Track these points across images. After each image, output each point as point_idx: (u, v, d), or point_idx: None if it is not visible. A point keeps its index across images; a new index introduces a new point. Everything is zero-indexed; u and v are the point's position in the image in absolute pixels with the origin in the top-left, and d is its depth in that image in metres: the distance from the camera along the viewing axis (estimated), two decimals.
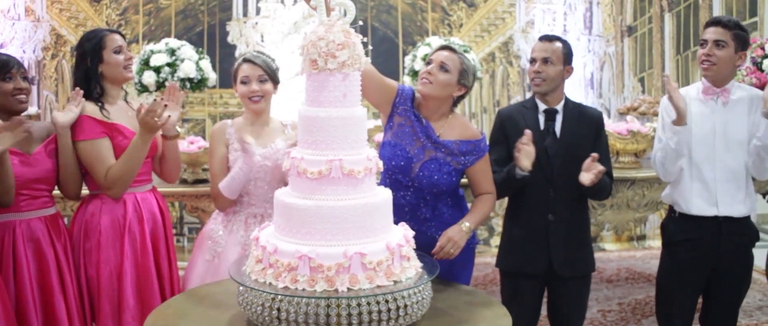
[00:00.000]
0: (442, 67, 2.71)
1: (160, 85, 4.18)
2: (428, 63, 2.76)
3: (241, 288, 2.19)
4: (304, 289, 2.05)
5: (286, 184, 2.35)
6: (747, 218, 3.06)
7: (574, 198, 2.93)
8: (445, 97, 2.75)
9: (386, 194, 2.27)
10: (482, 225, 5.95)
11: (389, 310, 2.07)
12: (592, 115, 3.03)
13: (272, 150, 2.90)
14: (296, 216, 2.14)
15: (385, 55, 6.13)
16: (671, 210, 3.15)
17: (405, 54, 5.69)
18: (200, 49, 4.41)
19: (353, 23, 2.29)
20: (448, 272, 2.65)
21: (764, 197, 4.52)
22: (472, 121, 6.37)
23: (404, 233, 2.26)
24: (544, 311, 3.11)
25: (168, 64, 4.18)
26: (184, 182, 4.03)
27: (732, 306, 3.12)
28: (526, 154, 2.75)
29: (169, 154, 3.01)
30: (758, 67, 4.33)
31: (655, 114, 4.44)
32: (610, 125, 4.32)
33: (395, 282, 2.12)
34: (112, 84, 2.88)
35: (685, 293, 3.08)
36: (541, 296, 3.06)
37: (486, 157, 2.79)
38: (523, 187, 2.86)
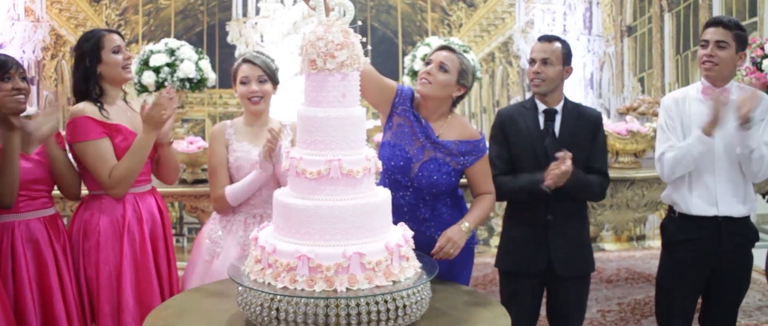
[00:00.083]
0: (442, 67, 2.71)
1: (159, 86, 4.18)
2: (427, 63, 2.76)
3: (240, 288, 2.19)
4: (303, 289, 2.05)
5: (285, 184, 2.35)
6: (746, 218, 3.05)
7: (573, 199, 2.93)
8: (444, 97, 2.75)
9: (385, 194, 2.27)
10: (482, 226, 5.95)
11: (388, 310, 2.07)
12: (591, 115, 3.03)
13: (280, 154, 2.90)
14: (295, 217, 2.14)
15: (385, 55, 6.13)
16: (671, 210, 3.15)
17: (404, 54, 5.69)
18: (200, 50, 4.41)
19: (352, 23, 2.29)
20: (448, 272, 2.65)
21: (764, 197, 4.52)
22: (471, 121, 6.37)
23: (403, 233, 2.26)
24: (543, 311, 3.11)
25: (167, 64, 4.18)
26: (183, 182, 4.03)
27: (731, 307, 3.12)
28: (559, 175, 2.73)
29: (166, 160, 3.01)
30: (758, 67, 4.33)
31: (655, 114, 4.44)
32: (610, 125, 4.32)
33: (394, 282, 2.12)
34: (111, 84, 2.87)
35: (685, 293, 3.08)
36: (540, 296, 3.06)
37: (485, 157, 2.79)
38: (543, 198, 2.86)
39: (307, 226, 2.12)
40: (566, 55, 2.96)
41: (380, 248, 2.12)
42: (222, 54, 5.91)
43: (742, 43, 2.97)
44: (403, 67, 5.19)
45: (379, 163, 2.31)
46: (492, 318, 2.30)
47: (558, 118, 2.96)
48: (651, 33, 6.47)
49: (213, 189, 2.97)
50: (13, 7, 5.72)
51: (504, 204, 3.13)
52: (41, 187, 2.75)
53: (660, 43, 6.46)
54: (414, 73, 4.76)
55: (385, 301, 2.07)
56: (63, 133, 2.87)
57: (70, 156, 2.87)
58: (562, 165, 2.73)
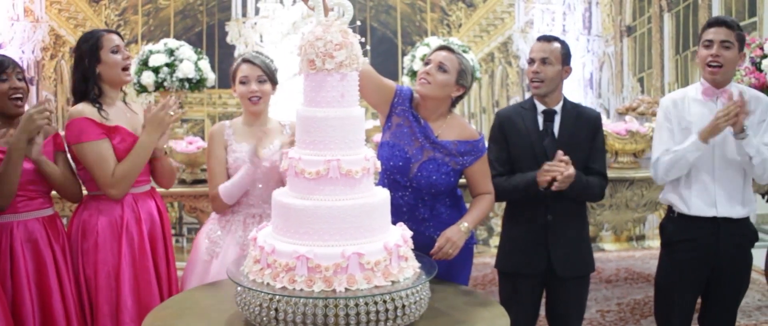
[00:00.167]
0: (441, 68, 2.71)
1: (158, 86, 4.18)
2: (426, 63, 2.76)
3: (239, 288, 2.19)
4: (301, 289, 2.05)
5: (284, 185, 2.35)
6: (746, 219, 3.05)
7: (572, 199, 2.93)
8: (443, 98, 2.75)
9: (384, 194, 2.27)
10: (481, 226, 5.95)
11: (387, 310, 2.07)
12: (590, 115, 3.02)
13: (270, 150, 2.91)
14: (294, 217, 2.14)
15: (384, 56, 6.13)
16: (670, 210, 3.15)
17: (404, 54, 5.69)
18: (199, 50, 4.41)
19: (352, 23, 2.29)
20: (447, 272, 2.65)
21: (763, 197, 4.52)
22: (471, 121, 6.37)
23: (402, 233, 2.26)
24: (542, 311, 3.11)
25: (167, 65, 4.18)
26: (182, 183, 4.03)
27: (731, 307, 3.12)
28: (563, 179, 2.74)
29: (161, 170, 3.01)
30: (757, 67, 4.33)
31: (654, 114, 4.43)
32: (609, 125, 4.32)
33: (393, 282, 2.12)
34: (110, 86, 2.86)
35: (684, 293, 3.08)
36: (539, 296, 3.06)
37: (484, 157, 2.79)
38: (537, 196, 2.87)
39: (306, 226, 2.12)
40: (565, 55, 2.96)
41: (379, 248, 2.12)
42: (221, 54, 5.90)
43: (742, 43, 2.97)
44: (403, 67, 5.19)
45: (378, 163, 2.31)
46: (491, 319, 2.30)
47: (557, 119, 2.96)
48: (650, 33, 6.46)
49: (211, 189, 2.97)
50: (13, 8, 5.72)
51: (503, 204, 3.13)
52: (40, 188, 2.75)
53: (659, 43, 6.46)
54: (413, 73, 4.76)
55: (384, 301, 2.07)
56: (62, 134, 2.87)
57: (69, 157, 2.87)
58: (562, 167, 2.73)
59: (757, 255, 3.36)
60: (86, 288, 2.80)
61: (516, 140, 2.94)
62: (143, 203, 2.89)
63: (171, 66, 4.18)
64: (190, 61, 4.20)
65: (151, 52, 4.24)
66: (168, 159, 3.07)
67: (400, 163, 2.71)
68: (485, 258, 5.46)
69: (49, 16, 5.84)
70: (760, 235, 3.47)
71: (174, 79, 4.15)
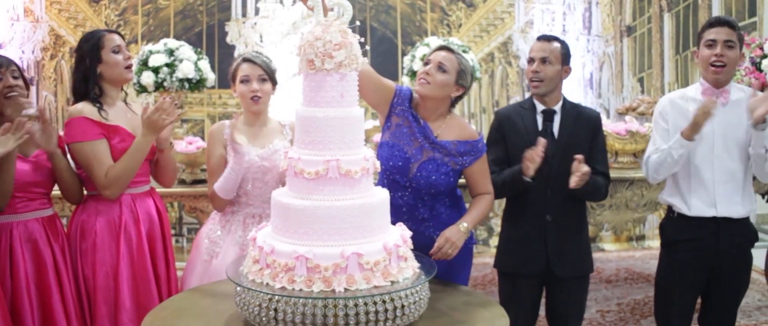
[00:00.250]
0: (440, 68, 2.71)
1: (158, 86, 4.18)
2: (426, 63, 2.76)
3: (238, 288, 2.19)
4: (301, 290, 2.05)
5: (284, 185, 2.35)
6: (746, 219, 3.05)
7: (571, 199, 2.93)
8: (443, 98, 2.74)
9: (383, 194, 2.27)
10: (481, 226, 5.95)
11: (386, 311, 2.07)
12: (589, 115, 3.03)
13: (270, 150, 2.90)
14: (293, 217, 2.14)
15: (384, 56, 6.13)
16: (670, 210, 3.15)
17: (404, 54, 5.69)
18: (199, 50, 4.41)
19: (351, 23, 2.29)
20: (446, 272, 2.65)
21: (763, 197, 4.52)
22: (471, 121, 6.36)
23: (401, 233, 2.26)
24: (542, 311, 3.11)
25: (166, 65, 4.18)
26: (182, 183, 4.03)
27: (731, 307, 3.11)
28: (534, 163, 2.74)
29: (164, 165, 3.01)
30: (757, 67, 4.33)
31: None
32: (609, 125, 4.32)
33: (392, 282, 2.12)
34: (111, 84, 2.86)
35: (684, 293, 3.08)
36: (539, 296, 3.06)
37: (484, 157, 2.79)
38: (525, 191, 2.86)
39: (306, 226, 2.12)
40: (565, 55, 2.96)
41: (378, 248, 2.12)
42: (221, 54, 5.90)
43: (742, 43, 2.99)
44: (403, 68, 5.19)
45: (378, 163, 2.31)
46: (491, 319, 2.30)
47: (557, 119, 2.96)
48: (650, 33, 6.46)
49: (209, 188, 2.97)
50: (13, 8, 5.72)
51: (503, 204, 3.13)
52: (40, 189, 2.75)
53: (659, 43, 6.45)
54: (413, 74, 4.75)
55: (384, 301, 2.07)
56: (61, 133, 2.87)
57: (69, 157, 2.87)
58: (582, 167, 2.74)
59: (757, 255, 3.35)
60: (85, 289, 2.80)
61: (515, 140, 2.94)
62: (142, 203, 2.89)
63: (171, 66, 4.18)
64: (190, 61, 4.20)
65: (150, 52, 4.23)
66: (172, 153, 3.06)
67: (400, 163, 2.70)
68: (485, 258, 5.46)
69: (49, 16, 5.84)
70: (760, 235, 3.46)
71: (174, 79, 4.15)
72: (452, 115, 2.81)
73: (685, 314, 3.11)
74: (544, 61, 2.92)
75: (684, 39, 6.34)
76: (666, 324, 3.15)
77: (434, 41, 4.84)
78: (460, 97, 2.81)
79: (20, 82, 2.71)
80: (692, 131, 2.85)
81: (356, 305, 2.04)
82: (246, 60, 2.96)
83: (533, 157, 2.75)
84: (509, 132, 2.96)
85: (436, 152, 2.72)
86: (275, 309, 2.06)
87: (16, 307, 2.65)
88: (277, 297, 2.06)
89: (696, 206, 2.99)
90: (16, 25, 5.72)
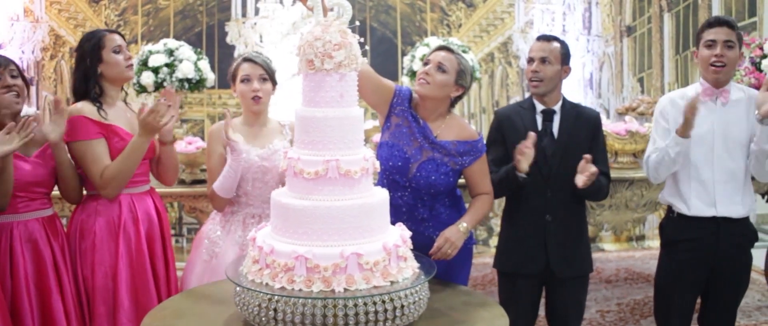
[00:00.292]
0: (440, 68, 2.71)
1: (158, 86, 4.18)
2: (425, 63, 2.76)
3: (237, 288, 2.19)
4: (300, 290, 2.05)
5: (283, 185, 2.35)
6: (746, 218, 3.05)
7: (571, 199, 2.93)
8: (442, 98, 2.74)
9: (383, 194, 2.27)
10: (481, 226, 5.95)
11: (386, 311, 2.07)
12: (589, 115, 3.03)
13: (270, 150, 2.90)
14: (293, 217, 2.14)
15: (384, 56, 6.13)
16: (670, 210, 3.15)
17: (404, 54, 5.69)
18: (199, 50, 4.41)
19: (351, 23, 2.29)
20: (446, 273, 2.65)
21: (763, 197, 4.52)
22: (470, 121, 6.36)
23: (401, 233, 2.26)
24: (541, 311, 3.11)
25: (166, 65, 4.18)
26: (182, 183, 4.03)
27: (730, 307, 3.11)
28: (526, 157, 2.75)
29: (166, 159, 3.00)
30: (757, 67, 4.33)
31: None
32: (609, 125, 4.32)
33: (392, 282, 2.12)
34: (111, 84, 2.87)
35: (684, 293, 3.08)
36: (538, 296, 3.06)
37: (483, 157, 2.79)
38: (520, 188, 2.86)
39: (305, 226, 2.12)
40: (565, 55, 2.96)
41: (378, 248, 2.12)
42: (221, 54, 5.90)
43: (741, 43, 2.99)
44: (402, 68, 5.19)
45: (377, 163, 2.31)
46: (490, 319, 2.30)
47: (556, 119, 2.96)
48: (650, 33, 6.46)
49: (209, 187, 2.97)
50: (12, 8, 5.72)
51: (503, 204, 3.13)
52: (40, 189, 2.75)
53: (659, 43, 6.45)
54: (413, 74, 4.76)
55: (383, 302, 2.07)
56: None
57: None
58: (590, 168, 2.75)
59: (757, 255, 3.35)
60: (84, 289, 2.80)
61: (514, 140, 2.93)
62: (141, 203, 2.89)
63: (170, 66, 4.18)
64: (190, 62, 4.20)
65: (150, 53, 4.23)
66: (174, 148, 3.05)
67: (399, 163, 2.70)
68: (485, 259, 5.46)
69: (48, 16, 5.84)
70: (760, 235, 3.46)
71: (173, 79, 4.15)
72: (452, 115, 2.81)
73: (685, 314, 3.11)
74: (543, 60, 2.92)
75: (684, 39, 6.34)
76: (666, 324, 3.15)
77: (434, 41, 4.84)
78: (459, 97, 2.81)
79: (19, 82, 2.70)
80: (684, 128, 2.85)
81: (356, 305, 2.04)
82: (247, 59, 2.96)
83: (522, 150, 2.75)
84: (509, 132, 2.96)
85: (435, 152, 2.72)
86: (275, 309, 2.06)
87: (15, 307, 2.65)
88: (276, 297, 2.06)
89: (696, 206, 2.99)
90: (16, 25, 5.72)
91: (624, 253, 6.16)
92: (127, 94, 3.05)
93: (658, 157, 2.96)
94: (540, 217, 2.93)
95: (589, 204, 3.95)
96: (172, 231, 5.60)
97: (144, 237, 2.85)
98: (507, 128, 2.98)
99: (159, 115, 2.69)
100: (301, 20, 5.16)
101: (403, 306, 2.10)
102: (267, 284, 2.10)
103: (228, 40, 5.72)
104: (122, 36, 2.93)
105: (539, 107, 2.97)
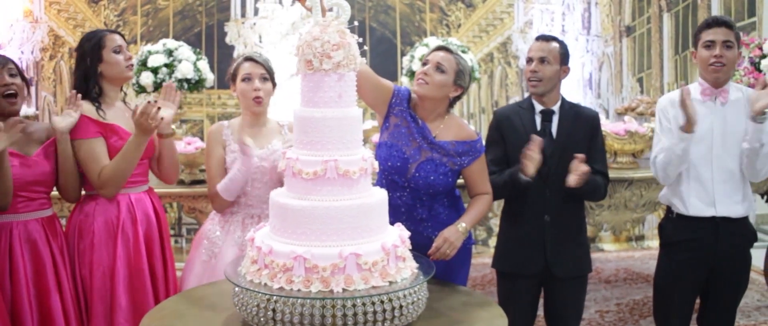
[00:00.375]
0: (438, 68, 2.71)
1: (157, 86, 4.18)
2: (424, 64, 2.76)
3: (236, 288, 2.19)
4: (299, 290, 2.05)
5: (283, 185, 2.35)
6: (745, 218, 3.05)
7: (570, 199, 2.93)
8: (441, 98, 2.74)
9: (382, 194, 2.27)
10: (480, 226, 5.95)
11: (384, 311, 2.07)
12: (588, 115, 3.03)
13: (269, 151, 2.90)
14: (291, 217, 2.14)
15: (383, 56, 6.13)
16: (669, 210, 3.15)
17: (403, 54, 5.69)
18: (198, 50, 4.41)
19: (350, 23, 2.29)
20: (445, 273, 2.65)
21: (762, 197, 4.52)
22: (470, 121, 6.36)
23: (400, 233, 2.26)
24: (540, 311, 3.11)
25: (165, 65, 4.18)
26: (181, 183, 4.02)
27: (730, 307, 3.11)
28: (532, 161, 2.75)
29: (166, 154, 2.99)
30: (756, 67, 4.33)
31: (653, 114, 4.43)
32: (608, 125, 4.32)
33: (391, 282, 2.12)
34: (111, 84, 2.87)
35: (683, 294, 3.08)
36: (537, 296, 3.06)
37: (482, 157, 2.79)
38: (524, 190, 2.86)
39: (304, 227, 2.12)
40: (564, 55, 2.96)
41: (377, 248, 2.12)
42: (220, 54, 5.90)
43: (739, 42, 2.99)
44: (402, 68, 5.19)
45: (376, 164, 2.31)
46: (489, 319, 2.30)
47: (555, 119, 2.96)
48: (650, 33, 6.46)
49: (210, 189, 2.96)
50: (12, 9, 5.71)
51: (502, 204, 3.13)
52: (40, 189, 2.75)
53: (659, 43, 6.45)
54: (412, 74, 4.75)
55: (382, 302, 2.07)
56: None
57: None
58: (581, 166, 2.74)
59: (756, 255, 3.35)
60: (83, 289, 2.80)
61: (513, 140, 2.94)
62: (140, 203, 2.89)
63: (170, 66, 4.18)
64: (189, 62, 4.20)
65: (149, 53, 4.23)
66: (173, 142, 3.04)
67: (398, 164, 2.70)
68: (484, 259, 5.45)
69: (48, 16, 5.84)
70: (759, 235, 3.46)
71: (173, 79, 4.15)
72: (451, 116, 2.81)
73: (684, 314, 3.11)
74: (542, 60, 2.92)
75: (683, 39, 6.34)
76: (665, 324, 3.15)
77: (433, 41, 4.84)
78: (458, 98, 2.81)
79: (17, 81, 2.70)
80: (688, 124, 2.84)
81: (354, 305, 2.04)
82: (248, 59, 2.96)
83: (530, 155, 2.75)
84: (508, 132, 2.96)
85: (434, 152, 2.72)
86: (273, 310, 2.06)
87: (16, 307, 2.65)
88: (275, 297, 2.06)
89: (695, 205, 2.99)
90: (16, 25, 5.72)
91: (623, 253, 6.16)
92: (126, 94, 3.05)
93: (666, 157, 2.95)
94: (539, 217, 2.93)
95: (588, 204, 3.95)
96: (172, 232, 5.62)
97: (142, 237, 2.85)
98: (506, 128, 2.98)
99: (149, 117, 2.69)
100: (300, 20, 5.16)
101: (401, 307, 2.10)
102: (265, 284, 2.10)
103: (227, 40, 5.72)
104: (123, 36, 2.93)
105: (538, 107, 2.97)
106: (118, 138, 2.80)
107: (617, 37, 6.49)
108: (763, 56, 4.34)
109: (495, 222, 6.00)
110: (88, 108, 2.79)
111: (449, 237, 2.61)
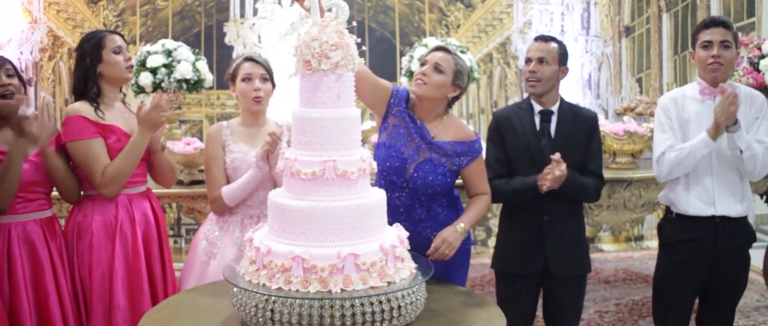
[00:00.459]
0: (437, 68, 2.71)
1: (156, 87, 4.18)
2: (423, 64, 2.76)
3: (235, 289, 2.18)
4: (297, 290, 2.05)
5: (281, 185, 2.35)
6: (744, 218, 3.05)
7: (568, 199, 2.93)
8: (439, 98, 2.74)
9: (380, 195, 2.27)
10: (479, 226, 5.95)
11: (383, 311, 2.07)
12: (587, 116, 3.02)
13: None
14: (290, 217, 2.14)
15: (382, 56, 6.13)
16: (668, 210, 3.15)
17: (402, 55, 5.69)
18: (197, 50, 4.41)
19: (349, 23, 2.29)
20: (444, 273, 2.65)
21: (762, 197, 4.52)
22: (469, 121, 6.36)
23: (398, 234, 2.26)
24: (539, 312, 3.11)
25: (164, 66, 4.18)
26: (180, 184, 4.02)
27: (729, 307, 3.11)
28: (557, 181, 2.75)
29: (159, 165, 3.00)
30: (755, 67, 4.33)
31: (652, 114, 4.43)
32: (607, 126, 4.31)
33: (389, 283, 2.12)
34: (110, 84, 2.87)
35: (682, 294, 3.08)
36: (536, 297, 3.06)
37: (480, 157, 2.79)
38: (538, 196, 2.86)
39: (302, 227, 2.12)
40: (562, 56, 2.96)
41: (375, 249, 2.12)
42: (219, 55, 5.90)
43: (737, 42, 3.00)
44: (401, 68, 5.19)
45: (374, 164, 2.31)
46: (488, 319, 2.30)
47: (554, 119, 2.96)
48: (649, 33, 6.46)
49: (210, 191, 2.96)
50: (11, 9, 5.71)
51: (501, 205, 3.13)
52: (39, 189, 2.75)
53: (658, 43, 6.45)
54: (411, 74, 4.75)
55: (380, 302, 2.07)
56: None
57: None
58: (557, 169, 2.73)
59: (756, 255, 3.34)
60: (81, 289, 2.80)
61: (513, 140, 2.94)
62: (138, 204, 2.89)
63: (169, 67, 4.18)
64: (188, 62, 4.20)
65: (148, 53, 4.23)
66: (165, 154, 3.06)
67: (397, 164, 2.70)
68: (483, 259, 5.46)
69: (47, 17, 5.84)
70: (759, 235, 3.46)
71: (172, 80, 4.15)
72: (449, 116, 2.81)
73: (684, 314, 3.11)
74: (541, 61, 2.92)
75: (682, 39, 6.34)
76: (664, 324, 3.15)
77: (432, 42, 4.84)
78: (456, 98, 2.81)
79: (15, 81, 2.70)
80: (717, 131, 2.84)
81: (353, 306, 2.04)
82: (248, 59, 2.96)
83: (552, 175, 2.73)
84: (507, 133, 2.96)
85: (432, 153, 2.72)
86: (272, 310, 2.06)
87: (14, 308, 2.65)
88: (273, 297, 2.06)
89: (694, 205, 2.99)
90: (15, 26, 5.72)
91: (622, 254, 6.17)
92: (125, 95, 3.05)
93: (679, 157, 2.93)
94: (538, 218, 2.92)
95: (587, 204, 3.95)
96: (171, 232, 5.61)
97: (141, 237, 2.85)
98: (505, 129, 2.98)
99: (161, 110, 2.71)
100: (299, 21, 5.16)
101: (400, 307, 2.10)
102: (264, 285, 2.10)
103: (226, 40, 5.72)
104: (122, 37, 2.93)
105: (537, 108, 2.97)
106: (116, 138, 2.80)
107: (616, 37, 6.50)
108: (762, 56, 4.34)
109: (494, 223, 6.00)
110: (85, 108, 2.78)
111: (448, 238, 2.61)
